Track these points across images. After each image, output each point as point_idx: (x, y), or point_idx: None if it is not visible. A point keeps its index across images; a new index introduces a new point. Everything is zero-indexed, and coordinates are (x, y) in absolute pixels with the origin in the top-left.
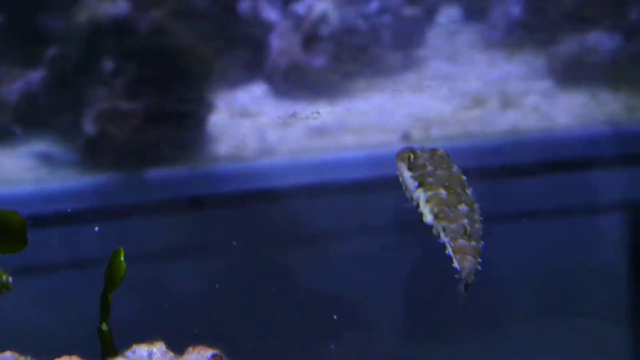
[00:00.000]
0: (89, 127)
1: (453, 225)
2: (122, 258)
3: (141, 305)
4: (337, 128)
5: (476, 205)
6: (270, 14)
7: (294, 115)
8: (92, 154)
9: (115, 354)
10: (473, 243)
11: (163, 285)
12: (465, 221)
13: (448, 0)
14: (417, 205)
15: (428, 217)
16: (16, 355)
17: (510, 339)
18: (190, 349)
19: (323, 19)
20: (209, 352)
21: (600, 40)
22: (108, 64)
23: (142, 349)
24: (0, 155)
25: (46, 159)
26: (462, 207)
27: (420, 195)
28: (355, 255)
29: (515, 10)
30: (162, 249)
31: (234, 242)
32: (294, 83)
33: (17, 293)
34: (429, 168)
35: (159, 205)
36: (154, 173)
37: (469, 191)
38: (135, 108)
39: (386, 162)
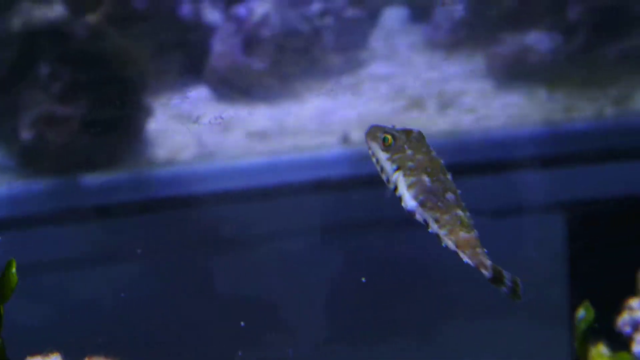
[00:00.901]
0: (26, 132)
1: (447, 217)
2: (14, 270)
3: (50, 315)
4: (277, 131)
5: (458, 192)
6: (213, 16)
7: (196, 120)
8: (28, 159)
9: None
10: (473, 233)
11: (75, 294)
12: (459, 212)
13: (393, 2)
14: (395, 188)
15: (410, 203)
16: None
17: (438, 340)
18: (86, 359)
19: (264, 21)
20: None
21: (540, 40)
22: (44, 69)
23: None
24: None
25: None
26: (449, 195)
27: (399, 178)
28: (278, 259)
29: (459, 10)
30: (74, 257)
31: (138, 250)
32: (234, 86)
33: None
34: (408, 152)
35: (84, 211)
36: (89, 179)
37: (449, 176)
38: (72, 113)
39: (323, 165)
